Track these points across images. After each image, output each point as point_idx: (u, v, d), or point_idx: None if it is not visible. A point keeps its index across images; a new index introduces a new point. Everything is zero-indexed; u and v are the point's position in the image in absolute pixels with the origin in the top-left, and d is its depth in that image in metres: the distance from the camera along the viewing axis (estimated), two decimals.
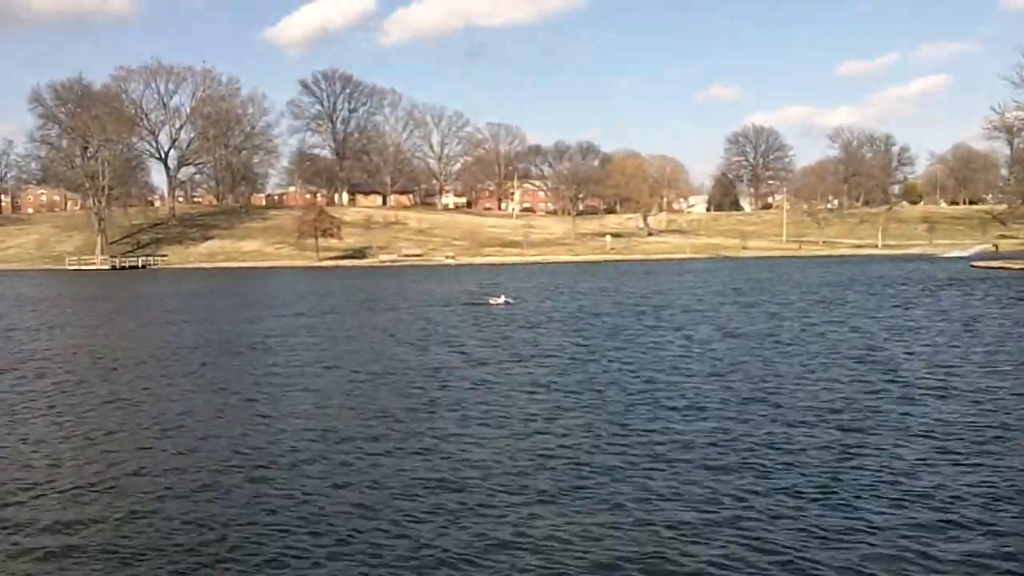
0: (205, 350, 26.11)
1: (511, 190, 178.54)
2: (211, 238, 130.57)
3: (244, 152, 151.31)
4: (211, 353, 25.41)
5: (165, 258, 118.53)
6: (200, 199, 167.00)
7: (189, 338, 29.50)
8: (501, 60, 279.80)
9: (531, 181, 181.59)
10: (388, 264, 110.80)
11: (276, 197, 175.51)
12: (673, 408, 15.81)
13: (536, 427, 14.53)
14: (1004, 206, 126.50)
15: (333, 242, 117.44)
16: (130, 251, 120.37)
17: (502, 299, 43.23)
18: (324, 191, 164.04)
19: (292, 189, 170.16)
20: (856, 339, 25.78)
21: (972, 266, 75.59)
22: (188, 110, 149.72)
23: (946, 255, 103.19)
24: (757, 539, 9.02)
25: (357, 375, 20.66)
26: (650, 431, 13.97)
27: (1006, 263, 76.05)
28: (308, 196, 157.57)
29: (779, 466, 11.74)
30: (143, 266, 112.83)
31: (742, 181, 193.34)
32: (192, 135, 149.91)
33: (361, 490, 11.06)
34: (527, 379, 19.60)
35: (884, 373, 19.31)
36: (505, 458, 12.47)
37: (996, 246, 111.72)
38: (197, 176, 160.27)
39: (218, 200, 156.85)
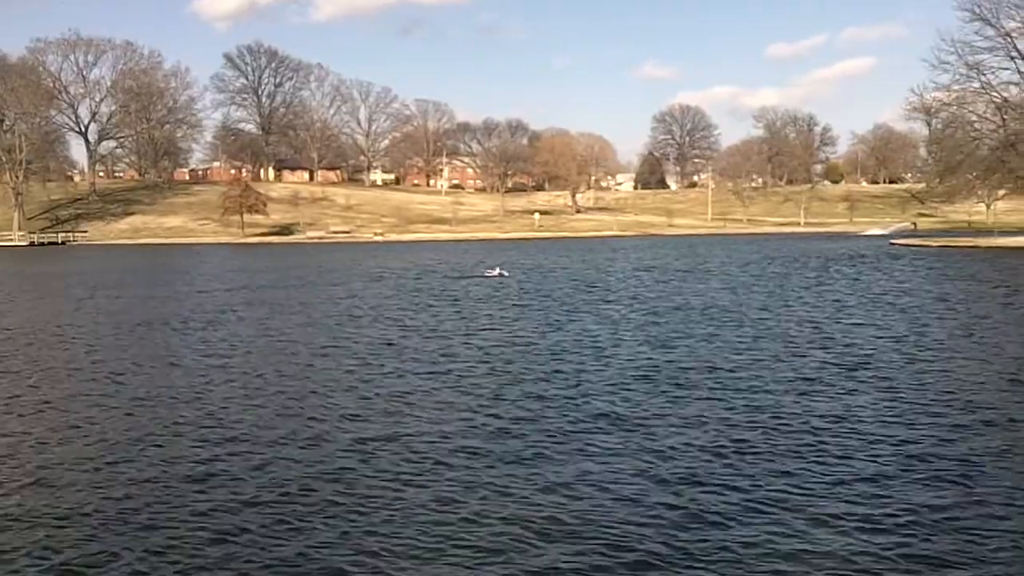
0: (149, 326, 25.57)
1: (440, 167, 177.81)
2: (133, 214, 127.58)
3: (167, 126, 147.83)
4: (154, 329, 24.91)
5: (85, 234, 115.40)
6: (122, 174, 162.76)
7: (130, 314, 28.86)
8: (436, 37, 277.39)
9: (460, 158, 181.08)
10: (315, 240, 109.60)
11: (200, 172, 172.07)
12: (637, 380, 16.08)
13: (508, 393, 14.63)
14: (922, 185, 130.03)
15: (259, 218, 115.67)
16: (49, 227, 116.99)
17: (497, 271, 44.82)
18: (249, 166, 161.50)
19: (216, 164, 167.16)
20: (786, 314, 26.39)
21: (891, 244, 77.61)
22: (109, 83, 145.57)
23: (866, 233, 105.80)
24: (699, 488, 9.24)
25: (311, 348, 20.48)
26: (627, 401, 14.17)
27: (924, 241, 78.50)
28: (233, 171, 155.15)
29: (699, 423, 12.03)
30: (62, 242, 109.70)
31: (669, 160, 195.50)
32: (113, 109, 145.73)
33: (338, 461, 11.02)
34: (494, 350, 19.68)
35: (810, 344, 19.86)
36: (469, 423, 12.52)
37: (915, 224, 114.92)
38: (118, 151, 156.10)
39: (140, 175, 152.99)
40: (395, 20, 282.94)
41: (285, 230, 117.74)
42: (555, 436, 12.03)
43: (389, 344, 21.12)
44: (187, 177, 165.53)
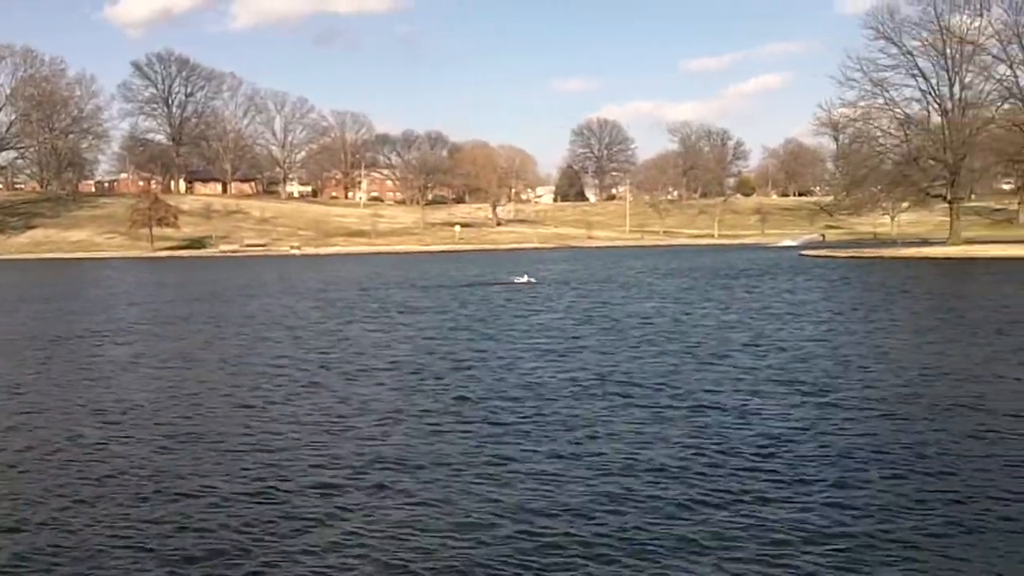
0: (56, 342, 24.42)
1: (358, 179, 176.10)
2: (35, 227, 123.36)
3: (71, 136, 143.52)
4: (57, 344, 23.79)
5: None
6: (23, 185, 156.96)
7: (34, 330, 27.57)
8: (354, 47, 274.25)
9: (379, 170, 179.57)
10: (229, 254, 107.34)
11: (107, 184, 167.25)
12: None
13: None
14: (830, 198, 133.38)
15: (169, 231, 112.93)
16: None
17: (525, 278, 45.47)
18: (159, 178, 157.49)
19: (124, 176, 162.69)
20: (711, 321, 26.56)
21: (801, 254, 79.07)
22: (8, 91, 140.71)
23: (777, 244, 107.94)
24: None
25: (228, 364, 19.77)
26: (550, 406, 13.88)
27: (832, 252, 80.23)
28: (142, 183, 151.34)
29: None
30: None
31: (588, 172, 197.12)
32: (13, 117, 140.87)
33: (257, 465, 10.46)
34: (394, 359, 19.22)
35: (738, 348, 19.96)
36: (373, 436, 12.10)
37: (823, 236, 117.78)
38: (19, 161, 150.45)
39: (42, 187, 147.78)
40: (313, 29, 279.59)
41: (197, 243, 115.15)
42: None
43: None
44: (93, 189, 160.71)
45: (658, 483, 9.99)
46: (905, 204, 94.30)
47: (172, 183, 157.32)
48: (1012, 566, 7.60)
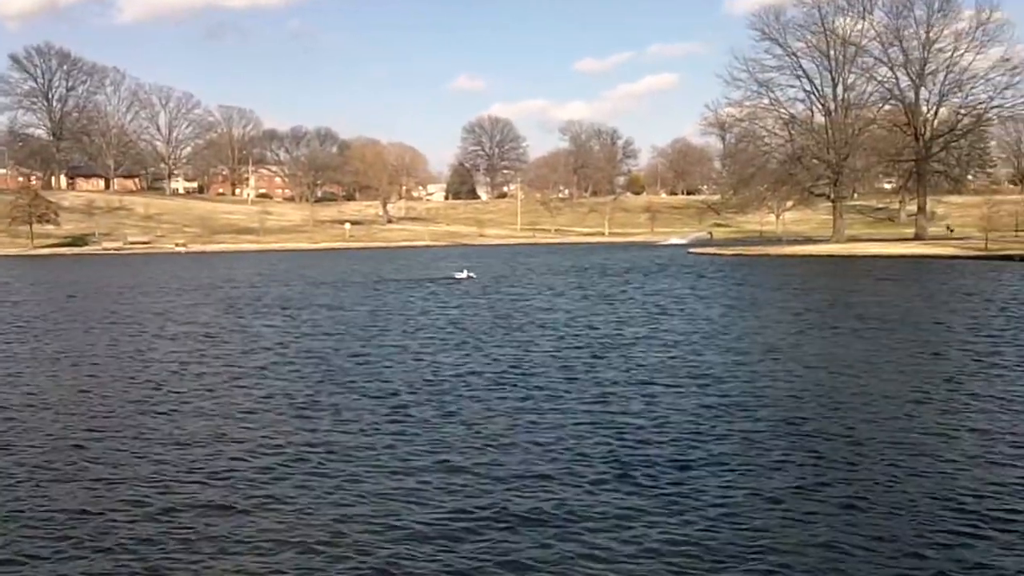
0: None
1: (246, 175, 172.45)
2: None
3: None
4: None
5: None
6: None
7: None
8: (244, 42, 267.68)
9: (267, 167, 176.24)
10: (112, 252, 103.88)
11: None
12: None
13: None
14: (717, 196, 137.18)
15: (50, 228, 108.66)
16: None
17: (465, 273, 47.27)
18: (39, 174, 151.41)
19: (3, 171, 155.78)
20: (587, 319, 27.21)
21: (689, 252, 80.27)
22: None
23: (666, 242, 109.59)
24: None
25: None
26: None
27: (719, 249, 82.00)
28: (21, 179, 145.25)
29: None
30: None
31: (479, 170, 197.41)
32: None
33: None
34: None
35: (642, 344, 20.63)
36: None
37: (711, 234, 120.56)
38: None
39: None
40: (201, 24, 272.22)
41: (79, 241, 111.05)
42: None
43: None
44: None
45: (556, 462, 10.71)
46: (790, 203, 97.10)
47: (53, 179, 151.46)
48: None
